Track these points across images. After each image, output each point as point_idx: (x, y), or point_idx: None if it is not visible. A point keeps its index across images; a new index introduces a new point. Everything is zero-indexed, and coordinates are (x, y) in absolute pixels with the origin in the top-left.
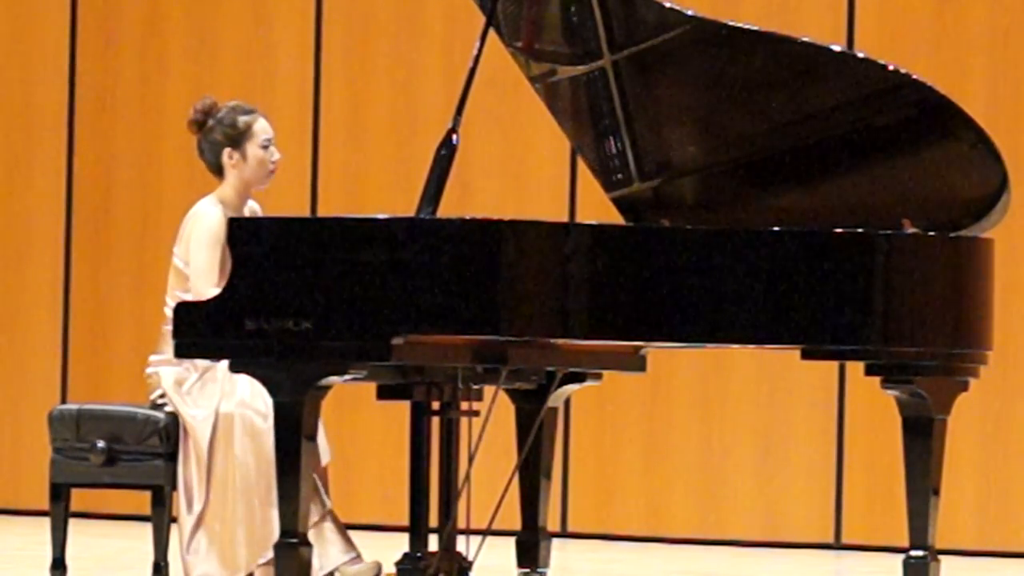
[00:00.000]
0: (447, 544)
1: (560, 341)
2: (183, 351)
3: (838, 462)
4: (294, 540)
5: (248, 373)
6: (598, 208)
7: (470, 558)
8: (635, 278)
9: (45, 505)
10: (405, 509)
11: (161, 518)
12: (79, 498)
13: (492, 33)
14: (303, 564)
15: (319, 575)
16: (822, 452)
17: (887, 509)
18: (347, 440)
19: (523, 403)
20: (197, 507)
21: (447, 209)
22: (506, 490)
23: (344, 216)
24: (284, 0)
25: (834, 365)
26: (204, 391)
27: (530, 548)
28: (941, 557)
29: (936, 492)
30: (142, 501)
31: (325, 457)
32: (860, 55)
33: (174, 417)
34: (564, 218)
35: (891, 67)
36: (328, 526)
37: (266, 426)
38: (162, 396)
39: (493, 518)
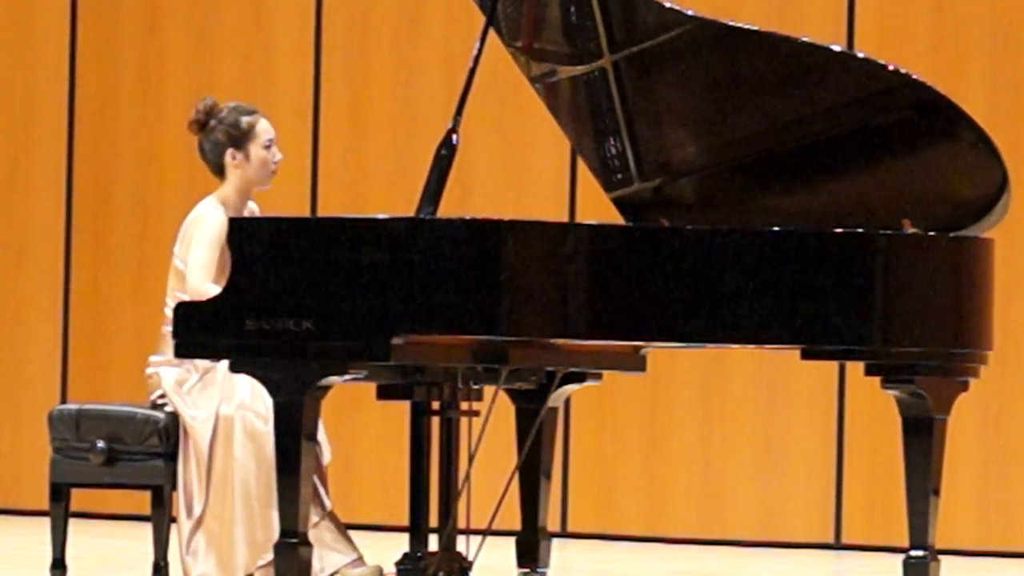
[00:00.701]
0: (447, 544)
1: (560, 341)
2: (183, 351)
3: (838, 462)
4: (294, 540)
5: (248, 373)
6: (598, 208)
7: (470, 558)
8: (635, 278)
9: (45, 505)
10: (405, 509)
11: (161, 518)
12: (79, 498)
13: (492, 33)
14: (303, 564)
15: None
16: (822, 452)
17: (887, 509)
18: (347, 440)
19: (523, 403)
20: (197, 508)
21: (447, 209)
22: (506, 490)
23: (344, 216)
24: (284, 0)
25: (834, 365)
26: (204, 392)
27: (530, 548)
28: (941, 557)
29: (936, 492)
30: (142, 501)
31: (326, 457)
32: (860, 55)
33: (174, 417)
34: (564, 218)
35: (891, 67)
36: (328, 526)
37: (266, 428)
38: (162, 396)
39: (493, 518)
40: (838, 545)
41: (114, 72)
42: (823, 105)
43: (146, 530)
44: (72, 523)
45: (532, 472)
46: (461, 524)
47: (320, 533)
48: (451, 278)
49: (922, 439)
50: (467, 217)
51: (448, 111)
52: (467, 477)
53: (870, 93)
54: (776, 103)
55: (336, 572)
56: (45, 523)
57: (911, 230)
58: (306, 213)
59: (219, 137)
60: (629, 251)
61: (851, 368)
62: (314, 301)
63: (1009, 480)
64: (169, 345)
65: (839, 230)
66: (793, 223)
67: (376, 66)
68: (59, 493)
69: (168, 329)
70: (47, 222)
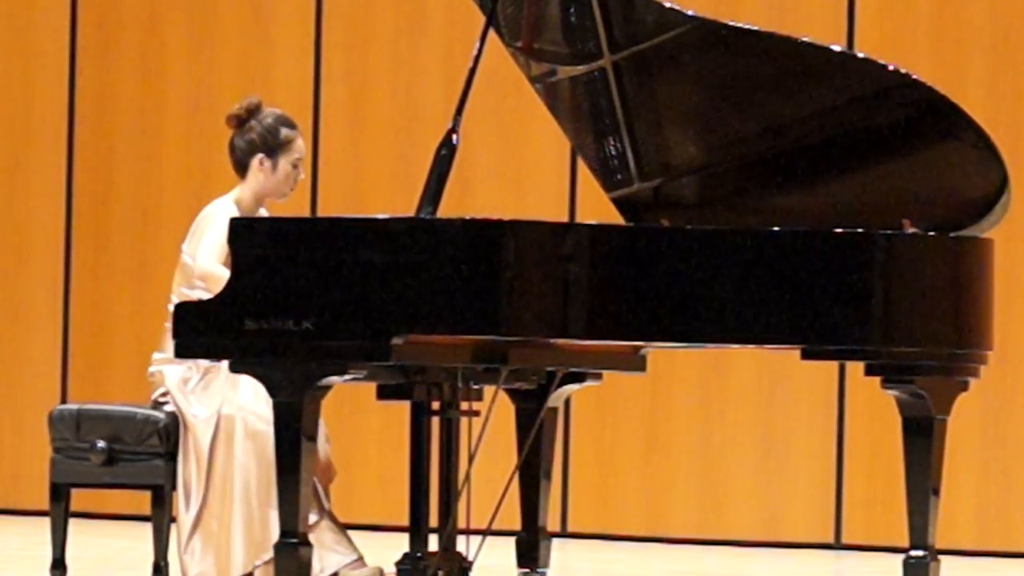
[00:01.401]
0: (447, 544)
1: (560, 341)
2: (183, 351)
3: (838, 462)
4: (294, 540)
5: (248, 373)
6: (598, 208)
7: (470, 558)
8: (635, 278)
9: (45, 505)
10: (405, 509)
11: (161, 518)
12: (79, 498)
13: (492, 33)
14: (303, 564)
15: None
16: (822, 452)
17: (887, 509)
18: (347, 440)
19: (523, 403)
20: (195, 507)
21: (447, 209)
22: (506, 490)
23: (344, 216)
24: (284, 0)
25: (834, 365)
26: (207, 391)
27: (530, 548)
28: (941, 557)
29: (936, 492)
30: (142, 501)
31: (325, 460)
32: (860, 55)
33: (174, 417)
34: (564, 218)
35: (891, 67)
36: (329, 527)
37: (268, 429)
38: (164, 394)
39: (493, 518)
40: (838, 545)
41: (114, 72)
42: (823, 105)
43: (146, 530)
44: (72, 523)
45: (532, 472)
46: (461, 524)
47: (320, 534)
48: (451, 278)
49: (922, 439)
50: (467, 217)
51: (448, 111)
52: (467, 477)
53: (870, 93)
54: (776, 103)
55: (336, 573)
56: (45, 523)
57: (911, 230)
58: (306, 213)
59: (254, 138)
60: (629, 251)
61: (851, 368)
62: (314, 301)
63: (1009, 480)
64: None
65: (839, 230)
66: (793, 223)
67: (376, 66)
68: (59, 493)
69: (169, 327)
70: (47, 222)
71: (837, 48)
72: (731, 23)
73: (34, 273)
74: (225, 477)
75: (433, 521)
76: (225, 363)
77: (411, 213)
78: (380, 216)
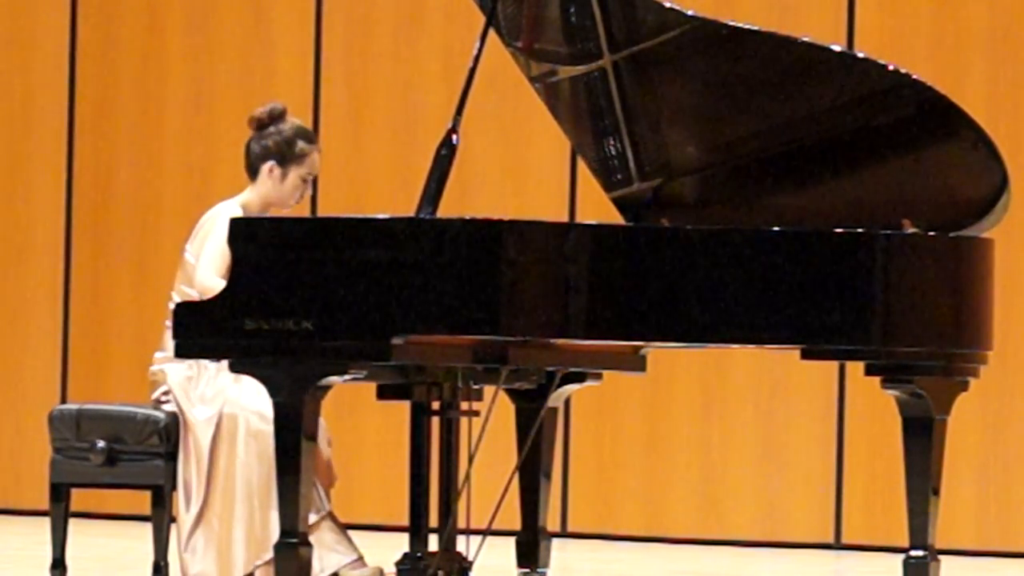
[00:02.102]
0: (447, 544)
1: (560, 341)
2: (183, 351)
3: (838, 462)
4: (294, 540)
5: (248, 373)
6: (598, 208)
7: (470, 558)
8: (635, 278)
9: (45, 505)
10: (405, 509)
11: (161, 518)
12: (79, 498)
13: (492, 33)
14: (303, 564)
15: None
16: (822, 452)
17: (887, 509)
18: (347, 440)
19: (523, 403)
20: (195, 506)
21: (447, 209)
22: (506, 490)
23: (344, 216)
24: (284, 0)
25: (834, 365)
26: (208, 391)
27: (530, 548)
28: (941, 557)
29: (936, 492)
30: (142, 501)
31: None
32: (860, 55)
33: (174, 417)
34: (564, 218)
35: (891, 67)
36: (329, 527)
37: (269, 428)
38: (166, 393)
39: (493, 518)
40: (838, 545)
41: (114, 72)
42: (823, 105)
43: (146, 530)
44: (72, 523)
45: (532, 472)
46: (461, 524)
47: (321, 534)
48: (451, 278)
49: (922, 439)
50: (467, 217)
51: (448, 111)
52: (467, 477)
53: (870, 93)
54: (776, 103)
55: (336, 572)
56: (45, 523)
57: (911, 230)
58: (306, 213)
59: (269, 144)
60: (629, 251)
61: (851, 368)
62: (314, 301)
63: (1009, 480)
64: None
65: (839, 230)
66: (793, 223)
67: (376, 66)
68: (59, 493)
69: (169, 326)
70: (47, 222)
71: (837, 48)
72: (731, 23)
73: (34, 273)
74: (227, 476)
75: (433, 521)
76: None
77: (411, 213)
78: (380, 216)
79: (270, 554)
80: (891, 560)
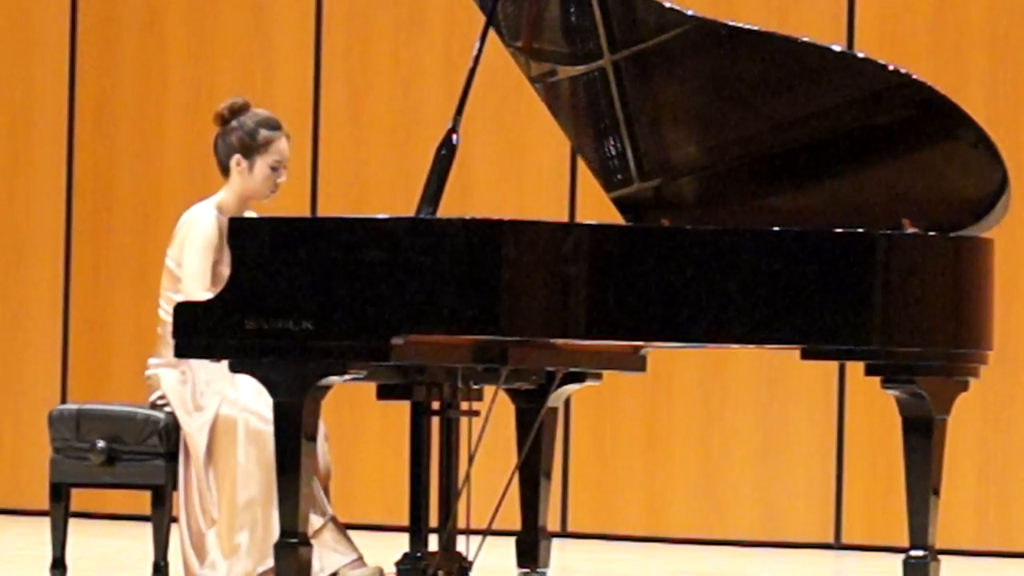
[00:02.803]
0: (447, 544)
1: (560, 341)
2: (183, 351)
3: (838, 462)
4: (294, 540)
5: (248, 373)
6: (598, 208)
7: (470, 558)
8: (635, 278)
9: (45, 505)
10: (405, 509)
11: (161, 518)
12: (79, 498)
13: (492, 33)
14: (303, 564)
15: None
16: (822, 452)
17: (887, 509)
18: (347, 440)
19: (523, 403)
20: (197, 514)
21: (447, 209)
22: (506, 490)
23: (344, 216)
24: (284, 0)
25: (834, 365)
26: (203, 396)
27: (530, 548)
28: (941, 557)
29: (936, 492)
30: (142, 501)
31: (323, 463)
32: (860, 55)
33: (174, 417)
34: (564, 218)
35: (891, 67)
36: (329, 527)
37: (268, 428)
38: (162, 398)
39: (493, 518)
40: (838, 545)
41: (114, 72)
42: (823, 105)
43: (146, 530)
44: (72, 523)
45: (532, 472)
46: (461, 524)
47: (320, 534)
48: (451, 278)
49: (922, 439)
50: (467, 217)
51: (448, 111)
52: (467, 477)
53: (870, 93)
54: (776, 103)
55: (336, 572)
56: (45, 523)
57: (911, 230)
58: (306, 213)
59: (232, 140)
60: (629, 251)
61: (851, 368)
62: (314, 301)
63: (1009, 480)
64: (166, 347)
65: (839, 230)
66: (793, 223)
67: (376, 66)
68: (59, 493)
69: (162, 331)
70: (47, 222)
71: (837, 48)
72: (731, 23)
73: (34, 273)
74: (225, 481)
75: (433, 521)
76: (222, 364)
77: (411, 213)
78: (380, 216)
79: (271, 562)
80: (891, 560)
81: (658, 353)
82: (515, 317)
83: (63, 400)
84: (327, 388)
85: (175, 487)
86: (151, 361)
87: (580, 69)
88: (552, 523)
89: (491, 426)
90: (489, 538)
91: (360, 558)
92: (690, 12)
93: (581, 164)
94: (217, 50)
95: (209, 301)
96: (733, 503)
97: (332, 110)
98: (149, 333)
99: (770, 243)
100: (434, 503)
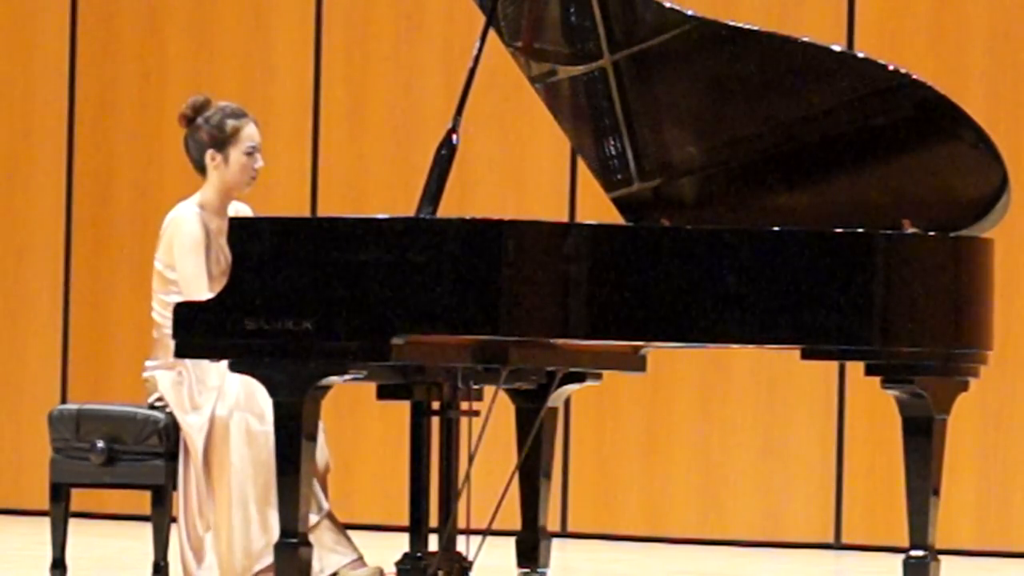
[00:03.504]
0: (447, 544)
1: (560, 341)
2: (183, 351)
3: (838, 462)
4: (294, 540)
5: (248, 373)
6: (598, 208)
7: (470, 558)
8: (635, 278)
9: (45, 505)
10: (405, 509)
11: (161, 518)
12: (79, 498)
13: (492, 33)
14: (303, 564)
15: None
16: (822, 452)
17: (887, 509)
18: (347, 440)
19: (523, 403)
20: (195, 516)
21: (447, 209)
22: (506, 490)
23: (344, 216)
24: (284, 0)
25: (834, 365)
26: (200, 396)
27: (530, 548)
28: (941, 557)
29: (936, 492)
30: (142, 501)
31: (322, 460)
32: (860, 55)
33: (174, 417)
34: (564, 218)
35: (891, 67)
36: (329, 527)
37: (263, 428)
38: (160, 399)
39: (493, 518)
40: (838, 545)
41: (114, 72)
42: (823, 105)
43: (146, 530)
44: (72, 523)
45: (532, 472)
46: (461, 524)
47: (320, 534)
48: (451, 278)
49: (922, 439)
50: (467, 217)
51: (448, 111)
52: (467, 477)
53: (870, 93)
54: (776, 103)
55: (336, 572)
56: (45, 523)
57: (911, 230)
58: (306, 213)
59: (202, 136)
60: (629, 251)
61: (851, 368)
62: (314, 301)
63: (1009, 480)
64: (163, 349)
65: (839, 230)
66: (793, 223)
67: (376, 66)
68: (59, 493)
69: (157, 334)
70: (47, 222)
71: (837, 48)
72: (731, 23)
73: (34, 273)
74: (221, 481)
75: (433, 521)
76: (218, 364)
77: (411, 213)
78: (380, 216)
79: (268, 559)
80: (891, 560)
81: (658, 353)
82: (515, 317)
83: (63, 400)
84: (327, 388)
85: (175, 487)
86: (148, 363)
87: (580, 69)
88: (552, 523)
89: (491, 426)
90: (489, 538)
91: (360, 558)
92: (690, 12)
93: (581, 164)
94: (217, 50)
95: (209, 301)
96: (733, 503)
97: (332, 110)
98: (149, 333)
99: (770, 243)
100: (434, 503)
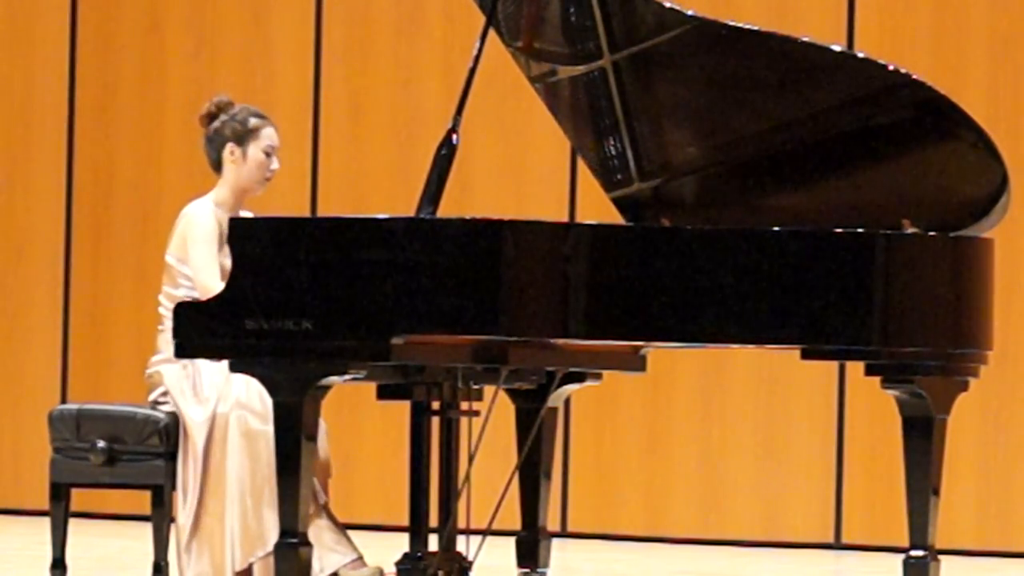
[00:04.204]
0: (447, 544)
1: (560, 341)
2: (183, 351)
3: (838, 462)
4: (294, 540)
5: (248, 373)
6: (598, 208)
7: (470, 558)
8: (635, 278)
9: (45, 505)
10: (405, 509)
11: (161, 518)
12: (79, 498)
13: (492, 33)
14: (303, 564)
15: None
16: (822, 452)
17: (887, 509)
18: (347, 440)
19: (523, 403)
20: (192, 508)
21: (447, 209)
22: (506, 490)
23: (344, 216)
24: (284, 0)
25: (834, 365)
26: (203, 391)
27: (530, 548)
28: (941, 557)
29: (936, 492)
30: (142, 501)
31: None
32: (860, 55)
33: (174, 417)
34: (564, 218)
35: (891, 67)
36: (328, 527)
37: (262, 427)
38: (164, 395)
39: (493, 518)
40: (838, 545)
41: (114, 72)
42: (823, 105)
43: (146, 530)
44: (72, 523)
45: (532, 472)
46: (461, 524)
47: (320, 534)
48: (451, 278)
49: (922, 439)
50: (467, 217)
51: (448, 111)
52: (467, 477)
53: (870, 93)
54: (776, 103)
55: (336, 572)
56: (45, 523)
57: (911, 230)
58: (306, 213)
59: (224, 131)
60: (629, 251)
61: (851, 368)
62: (314, 301)
63: (1009, 480)
64: (167, 345)
65: (839, 230)
66: (793, 223)
67: (376, 66)
68: (59, 493)
69: (163, 328)
70: (47, 222)
71: (837, 48)
72: (731, 23)
73: (34, 273)
74: (219, 475)
75: (433, 521)
76: (221, 363)
77: (411, 213)
78: (380, 216)
79: (266, 549)
80: (891, 560)
81: (658, 353)
82: (515, 317)
83: (63, 400)
84: (327, 388)
85: (175, 487)
86: (152, 360)
87: (580, 69)
88: (552, 523)
89: (491, 426)
90: (489, 538)
91: (360, 558)
92: (690, 12)
93: (581, 164)
94: (217, 50)
95: (209, 301)
96: (733, 503)
97: (332, 110)
98: (149, 333)
99: (770, 243)
100: (434, 503)
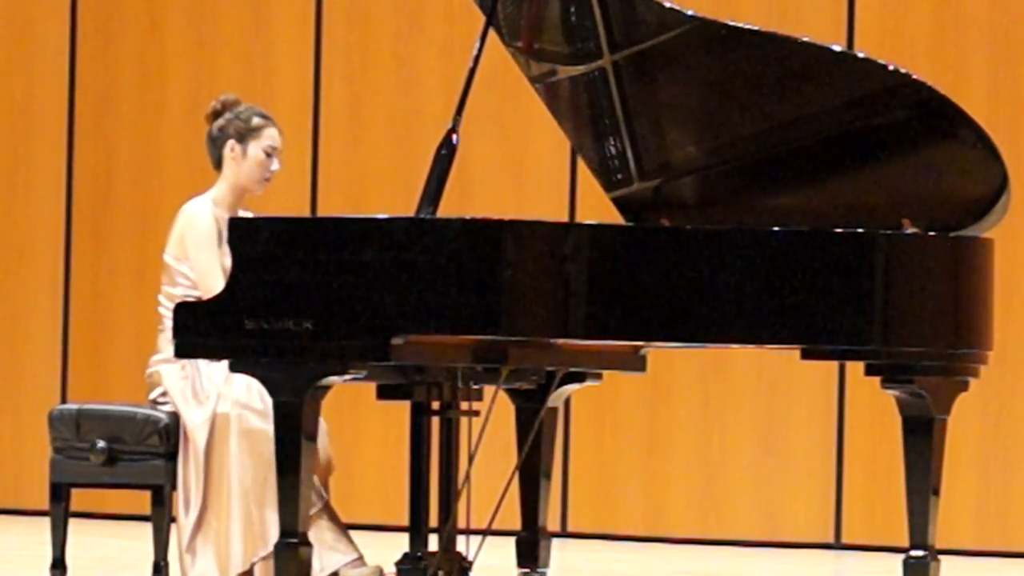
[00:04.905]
0: (447, 544)
1: (560, 341)
2: (183, 351)
3: (838, 462)
4: (294, 540)
5: (248, 373)
6: (598, 208)
7: (470, 558)
8: (635, 278)
9: (45, 505)
10: (405, 509)
11: (161, 518)
12: (79, 498)
13: (492, 33)
14: (303, 564)
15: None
16: (822, 452)
17: (887, 509)
18: (347, 440)
19: (523, 403)
20: (195, 508)
21: (447, 209)
22: (506, 490)
23: (344, 216)
24: (284, 0)
25: (834, 365)
26: (203, 392)
27: (530, 548)
28: (941, 557)
29: (936, 492)
30: (142, 501)
31: (324, 454)
32: (860, 55)
33: (174, 417)
34: (564, 218)
35: (891, 67)
36: (329, 526)
37: (263, 426)
38: (163, 395)
39: (493, 518)
40: (838, 545)
41: (114, 72)
42: (823, 105)
43: (146, 530)
44: (72, 523)
45: (532, 472)
46: (461, 524)
47: (320, 533)
48: (451, 278)
49: (922, 439)
50: (467, 217)
51: (448, 111)
52: (467, 477)
53: (870, 93)
54: (776, 103)
55: (336, 572)
56: (45, 523)
57: (911, 230)
58: (306, 213)
59: (227, 128)
60: (629, 251)
61: (851, 368)
62: (314, 301)
63: (1009, 480)
64: (167, 344)
65: (839, 230)
66: (793, 223)
67: (376, 66)
68: (59, 493)
69: (163, 328)
70: (47, 222)
71: (837, 48)
72: (731, 23)
73: (34, 273)
74: (222, 475)
75: (433, 521)
76: (222, 362)
77: (411, 213)
78: (380, 216)
79: (268, 549)
80: (891, 560)
81: (658, 353)
82: (515, 317)
83: (63, 400)
84: (327, 388)
85: (175, 487)
86: (152, 359)
87: (580, 69)
88: (552, 523)
89: (491, 426)
90: (489, 538)
91: (360, 557)
92: (690, 12)
93: (581, 164)
94: (217, 50)
95: (209, 301)
96: (733, 503)
97: (332, 110)
98: (149, 333)
99: (770, 243)
100: (434, 503)
